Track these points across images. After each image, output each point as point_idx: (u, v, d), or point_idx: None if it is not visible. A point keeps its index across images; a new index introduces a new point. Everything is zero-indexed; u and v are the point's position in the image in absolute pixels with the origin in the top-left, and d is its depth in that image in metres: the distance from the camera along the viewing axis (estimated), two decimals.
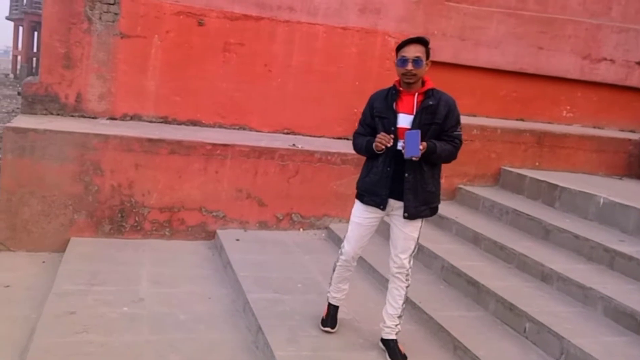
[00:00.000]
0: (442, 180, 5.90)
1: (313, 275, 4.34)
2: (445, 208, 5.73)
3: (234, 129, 6.41)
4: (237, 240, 5.36)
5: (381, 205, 3.42)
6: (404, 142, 3.20)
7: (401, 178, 3.34)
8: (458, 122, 3.43)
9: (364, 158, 3.60)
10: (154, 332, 3.74)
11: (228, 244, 5.21)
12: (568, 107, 7.50)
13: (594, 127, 7.49)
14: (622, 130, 7.55)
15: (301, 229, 5.83)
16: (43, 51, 5.91)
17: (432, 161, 3.34)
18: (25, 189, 5.07)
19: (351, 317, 3.99)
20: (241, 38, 6.29)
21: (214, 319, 4.02)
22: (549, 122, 7.34)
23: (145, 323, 3.84)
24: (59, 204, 5.17)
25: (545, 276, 4.29)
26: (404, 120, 3.31)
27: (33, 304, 4.10)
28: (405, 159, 3.22)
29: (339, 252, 3.67)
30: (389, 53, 6.68)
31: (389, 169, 3.36)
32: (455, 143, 3.42)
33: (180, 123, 6.23)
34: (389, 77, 6.60)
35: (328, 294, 3.77)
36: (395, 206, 3.42)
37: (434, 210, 3.49)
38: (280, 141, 5.97)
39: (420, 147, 3.16)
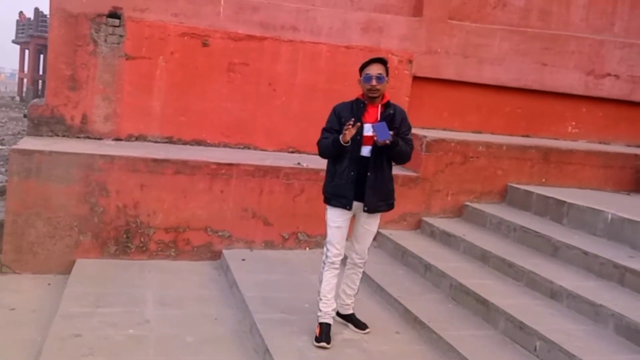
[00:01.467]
0: (449, 198, 6.11)
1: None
2: (452, 225, 5.74)
3: (239, 148, 6.41)
4: (243, 260, 5.33)
5: (347, 206, 3.77)
6: (374, 132, 3.59)
7: (362, 180, 3.74)
8: (410, 128, 3.92)
9: None
10: (160, 355, 3.70)
11: (234, 263, 5.18)
12: (573, 123, 7.49)
13: (600, 143, 7.47)
14: (629, 146, 7.52)
15: (307, 248, 5.80)
16: (49, 73, 5.95)
17: (394, 154, 3.78)
18: (31, 210, 5.07)
19: (359, 337, 3.95)
20: (245, 58, 6.32)
21: (221, 341, 3.98)
22: (555, 138, 7.32)
23: (152, 345, 3.80)
24: (64, 226, 5.17)
25: (554, 293, 4.24)
26: (369, 128, 3.70)
27: (39, 326, 4.08)
28: (378, 145, 3.61)
29: (324, 257, 3.87)
30: (392, 71, 6.64)
31: (352, 173, 3.74)
32: (410, 144, 3.86)
33: (185, 143, 6.25)
34: (393, 95, 6.53)
35: (319, 314, 3.83)
36: (360, 206, 3.81)
37: (390, 206, 3.95)
38: (285, 160, 5.97)
39: (391, 132, 3.60)
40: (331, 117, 3.88)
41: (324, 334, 3.76)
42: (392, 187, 3.96)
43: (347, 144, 3.68)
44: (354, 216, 3.90)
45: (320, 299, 3.83)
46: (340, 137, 3.67)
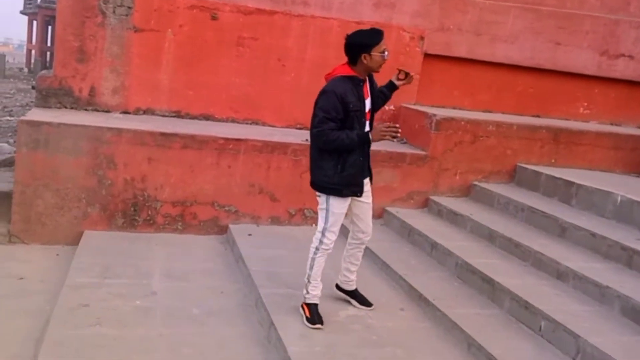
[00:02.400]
0: (457, 177, 6.08)
1: (325, 270, 4.28)
2: (459, 205, 5.72)
3: (247, 123, 6.39)
4: (249, 235, 5.35)
5: (359, 192, 3.70)
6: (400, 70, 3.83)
7: (364, 158, 3.72)
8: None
9: None
10: (167, 326, 3.73)
11: (240, 238, 5.20)
12: (585, 104, 7.39)
13: (612, 124, 7.39)
14: None
15: (313, 224, 5.79)
16: (57, 45, 5.92)
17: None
18: (40, 182, 5.09)
19: (364, 313, 3.97)
20: (255, 32, 6.26)
21: (227, 314, 4.01)
22: (566, 119, 7.24)
23: (158, 316, 3.84)
24: (72, 197, 5.19)
25: (561, 274, 4.23)
26: (367, 105, 3.68)
27: (47, 296, 4.12)
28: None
29: (319, 243, 3.72)
30: (403, 48, 6.63)
31: (361, 158, 3.66)
32: None
33: (193, 117, 6.22)
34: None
35: (306, 295, 3.77)
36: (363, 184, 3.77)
37: None
38: (293, 136, 5.94)
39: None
40: (333, 104, 3.49)
41: (315, 315, 3.72)
42: None
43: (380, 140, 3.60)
44: None
45: (310, 282, 3.75)
46: (371, 135, 3.55)
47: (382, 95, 3.95)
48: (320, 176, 3.65)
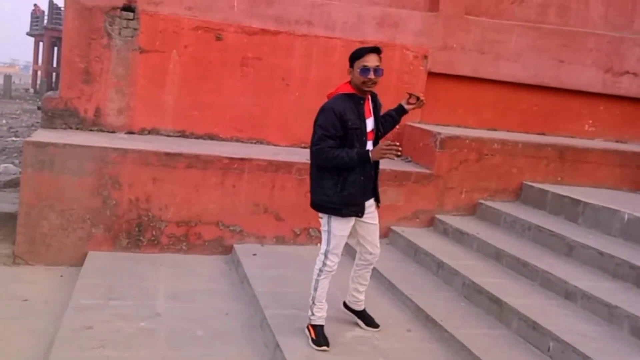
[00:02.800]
0: (462, 196, 6.05)
1: (331, 291, 4.24)
2: (466, 224, 5.68)
3: (252, 143, 6.40)
4: (254, 255, 5.32)
5: (360, 213, 3.63)
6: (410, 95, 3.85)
7: (368, 180, 3.66)
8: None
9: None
10: (171, 348, 3.70)
11: (245, 258, 5.17)
12: (590, 121, 7.38)
13: (617, 142, 7.36)
14: None
15: (318, 244, 5.73)
16: (63, 66, 5.97)
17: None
18: (45, 202, 5.09)
19: (370, 334, 3.92)
20: (259, 52, 6.30)
21: (232, 335, 3.97)
22: (571, 137, 7.22)
23: (163, 338, 3.80)
24: (77, 218, 5.18)
25: (569, 294, 4.18)
26: (368, 125, 3.63)
27: (51, 317, 4.10)
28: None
29: (322, 265, 3.67)
30: (407, 67, 6.65)
31: (362, 178, 3.58)
32: None
33: (197, 137, 6.24)
34: (408, 91, 6.59)
35: (311, 317, 3.72)
36: (367, 205, 3.69)
37: None
38: (298, 155, 5.94)
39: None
40: (332, 121, 3.47)
41: (320, 336, 3.66)
42: None
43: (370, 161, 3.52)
44: None
45: (314, 304, 3.70)
46: (371, 154, 3.47)
47: (390, 119, 3.93)
48: (320, 195, 3.61)
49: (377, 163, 3.71)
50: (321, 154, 3.51)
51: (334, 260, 3.66)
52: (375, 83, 3.53)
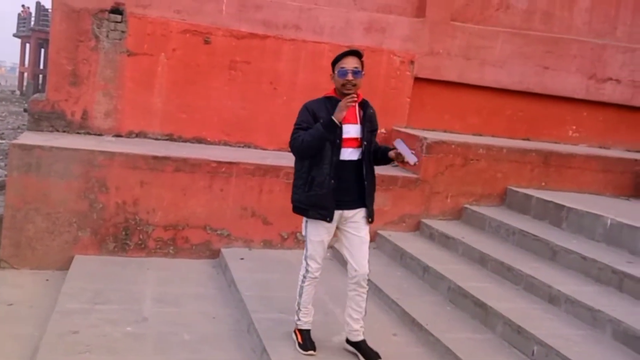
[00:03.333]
0: (448, 200, 6.10)
1: (319, 295, 4.28)
2: (451, 228, 5.73)
3: (239, 146, 6.41)
4: (242, 259, 5.33)
5: (328, 218, 3.49)
6: (397, 151, 3.44)
7: (348, 188, 3.49)
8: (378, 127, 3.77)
9: None
10: (158, 353, 3.70)
11: (232, 262, 5.18)
12: (574, 127, 7.48)
13: (600, 147, 7.47)
14: (629, 151, 7.51)
15: None
16: (50, 68, 5.94)
17: (383, 163, 3.66)
18: (30, 205, 5.07)
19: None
20: (247, 56, 6.31)
21: (219, 339, 3.97)
22: (555, 142, 7.31)
23: (150, 343, 3.80)
24: (63, 222, 5.16)
25: (553, 298, 4.24)
26: (349, 130, 3.48)
27: (36, 322, 4.07)
28: (412, 164, 3.40)
29: (305, 271, 3.64)
30: (394, 72, 6.70)
31: (333, 181, 3.45)
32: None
33: (185, 140, 6.24)
34: (394, 96, 6.68)
35: (297, 321, 3.71)
36: (349, 216, 3.54)
37: None
38: (286, 159, 5.94)
39: (413, 151, 3.44)
40: (304, 115, 3.52)
41: (307, 340, 3.64)
42: None
43: (338, 126, 3.37)
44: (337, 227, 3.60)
45: (300, 309, 3.68)
46: (335, 116, 3.35)
47: (379, 152, 3.68)
48: (293, 194, 3.62)
49: (367, 171, 3.55)
50: (293, 144, 3.51)
51: (313, 266, 3.61)
52: (355, 85, 3.43)
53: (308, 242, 3.62)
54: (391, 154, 3.53)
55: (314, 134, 3.41)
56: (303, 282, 3.66)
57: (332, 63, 3.52)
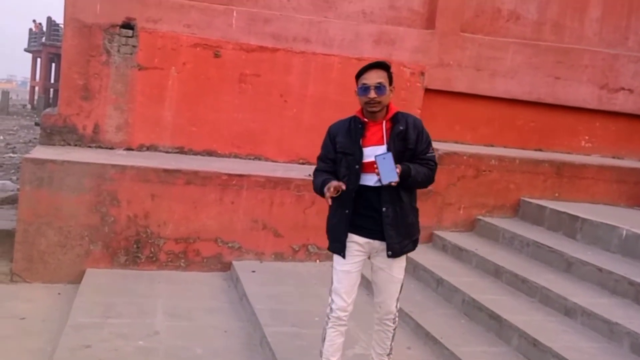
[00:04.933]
0: (461, 212, 6.04)
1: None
2: (464, 240, 5.69)
3: (250, 159, 6.41)
4: (253, 271, 5.31)
5: (341, 252, 3.12)
6: (377, 169, 2.90)
7: (371, 216, 3.08)
8: (429, 143, 3.17)
9: None
10: None
11: (244, 275, 5.16)
12: (587, 137, 7.43)
13: (614, 157, 7.41)
14: None
15: (317, 261, 5.77)
16: (62, 83, 5.99)
17: (408, 186, 3.06)
18: (43, 219, 5.08)
19: (371, 351, 3.89)
20: (257, 69, 6.33)
21: (231, 354, 3.94)
22: (568, 152, 7.26)
23: (161, 357, 3.78)
24: (75, 235, 5.17)
25: (568, 310, 4.18)
26: (372, 154, 3.01)
27: (49, 336, 4.06)
28: (382, 185, 2.93)
29: (328, 310, 3.18)
30: (404, 83, 6.69)
31: (347, 211, 3.09)
32: (430, 165, 3.14)
33: (196, 153, 6.25)
34: (405, 107, 6.56)
35: None
36: (379, 247, 3.12)
37: (415, 243, 3.24)
38: (296, 171, 5.95)
39: (397, 169, 2.89)
40: (325, 142, 3.22)
41: None
42: (415, 218, 3.22)
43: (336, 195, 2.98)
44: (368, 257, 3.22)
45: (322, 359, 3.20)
46: (325, 189, 2.98)
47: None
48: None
49: (388, 198, 3.06)
50: (313, 177, 3.25)
51: (338, 304, 3.13)
52: (379, 103, 3.03)
53: (333, 270, 3.19)
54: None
55: (317, 186, 3.13)
56: (327, 323, 3.18)
57: (355, 77, 3.11)
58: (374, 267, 3.22)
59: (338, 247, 3.15)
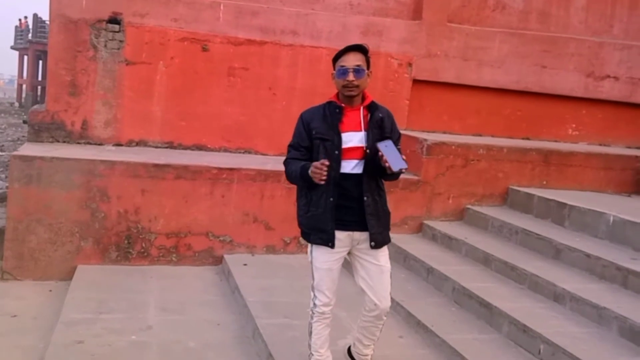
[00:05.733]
0: (450, 201, 6.09)
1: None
2: (454, 229, 5.73)
3: (240, 152, 6.41)
4: (245, 265, 5.32)
5: (329, 242, 3.00)
6: (383, 156, 2.80)
7: (350, 206, 2.99)
8: (400, 135, 3.15)
9: None
10: None
11: (235, 268, 5.17)
12: (573, 125, 7.48)
13: (600, 145, 7.47)
14: (629, 147, 7.52)
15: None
16: (49, 79, 5.95)
17: (388, 176, 3.00)
18: (32, 217, 5.06)
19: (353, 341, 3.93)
20: (245, 62, 6.32)
21: (224, 346, 3.96)
22: (555, 141, 7.31)
23: (154, 351, 3.79)
24: (65, 232, 5.15)
25: (557, 296, 4.23)
26: (351, 139, 2.98)
27: (41, 333, 4.06)
28: (394, 172, 2.84)
29: (312, 305, 3.12)
30: (392, 74, 6.71)
31: (331, 199, 2.97)
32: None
33: (185, 148, 6.24)
34: (393, 98, 6.68)
35: None
36: (361, 238, 3.03)
37: (389, 234, 3.17)
38: None
39: (403, 156, 2.82)
40: (298, 129, 3.08)
41: None
42: (388, 209, 3.16)
43: (323, 182, 2.84)
44: (348, 253, 3.11)
45: (312, 354, 3.15)
46: (310, 172, 2.85)
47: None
48: (297, 217, 3.15)
49: (369, 187, 3.01)
50: (285, 168, 3.11)
51: (322, 300, 3.07)
52: (357, 87, 2.96)
53: (314, 269, 3.09)
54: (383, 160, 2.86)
55: (295, 173, 3.00)
56: (312, 317, 3.13)
57: (332, 60, 3.03)
58: (360, 261, 3.10)
59: (323, 237, 3.01)
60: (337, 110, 3.02)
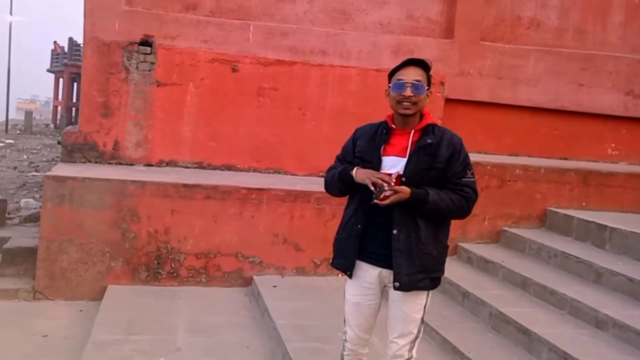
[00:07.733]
0: (486, 223, 5.92)
1: None
2: (490, 251, 5.57)
3: (269, 172, 6.38)
4: (274, 286, 5.24)
5: (348, 270, 2.78)
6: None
7: (381, 238, 2.68)
8: (467, 166, 2.73)
9: None
10: None
11: (265, 290, 5.10)
12: (613, 145, 7.27)
13: None
14: None
15: (339, 275, 5.67)
16: (82, 101, 6.03)
17: (426, 213, 2.62)
18: (64, 236, 5.08)
19: None
20: (275, 83, 6.32)
21: None
22: (594, 161, 7.11)
23: None
24: (96, 252, 5.16)
25: (600, 322, 4.04)
26: (392, 165, 2.67)
27: (71, 354, 4.04)
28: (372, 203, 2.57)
29: (343, 339, 2.92)
30: None
31: (359, 226, 2.71)
32: (465, 193, 2.69)
33: (215, 168, 6.24)
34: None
35: None
36: (389, 277, 2.71)
37: (435, 282, 2.73)
38: (316, 184, 5.87)
39: (394, 180, 2.56)
40: (347, 144, 2.89)
41: None
42: (438, 252, 2.71)
43: (361, 182, 2.62)
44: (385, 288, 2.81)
45: None
46: (354, 171, 2.65)
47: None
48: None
49: (401, 220, 2.64)
50: (326, 173, 2.91)
51: (350, 336, 2.85)
52: (414, 104, 2.63)
53: (345, 301, 2.89)
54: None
55: (333, 174, 2.79)
56: (343, 348, 2.93)
57: (388, 75, 2.75)
58: (388, 300, 2.80)
59: (343, 263, 2.80)
60: (385, 131, 2.74)
